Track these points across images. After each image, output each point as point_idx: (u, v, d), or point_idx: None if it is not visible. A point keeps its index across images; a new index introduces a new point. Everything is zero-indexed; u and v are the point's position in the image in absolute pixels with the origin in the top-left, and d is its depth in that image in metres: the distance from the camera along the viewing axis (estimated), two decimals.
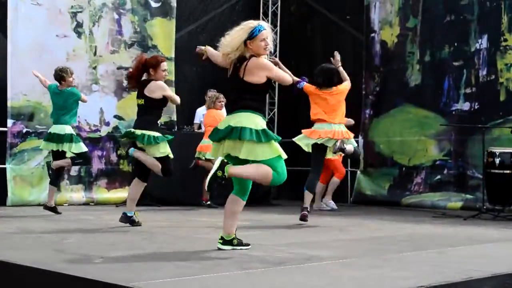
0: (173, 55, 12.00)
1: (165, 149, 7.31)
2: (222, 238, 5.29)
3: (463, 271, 4.45)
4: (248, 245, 5.34)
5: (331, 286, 3.92)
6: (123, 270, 4.28)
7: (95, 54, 11.16)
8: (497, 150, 9.18)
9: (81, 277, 3.93)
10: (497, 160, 9.04)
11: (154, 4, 11.87)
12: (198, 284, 3.86)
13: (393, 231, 7.47)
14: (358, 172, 12.11)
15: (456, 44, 11.11)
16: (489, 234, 7.17)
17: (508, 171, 8.98)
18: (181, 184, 10.63)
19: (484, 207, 9.08)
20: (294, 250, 5.40)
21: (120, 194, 10.98)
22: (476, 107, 10.85)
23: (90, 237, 6.40)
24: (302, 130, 8.02)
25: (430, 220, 8.92)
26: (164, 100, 7.32)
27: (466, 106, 10.96)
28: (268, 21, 13.62)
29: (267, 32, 5.21)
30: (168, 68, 11.58)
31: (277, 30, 13.68)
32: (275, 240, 5.82)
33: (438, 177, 11.24)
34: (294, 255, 5.13)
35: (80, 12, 11.01)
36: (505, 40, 10.54)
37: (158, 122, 7.49)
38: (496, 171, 9.05)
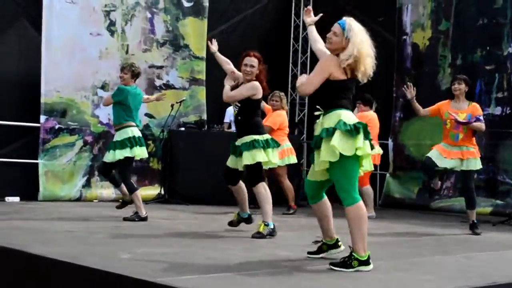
0: (204, 55, 12.06)
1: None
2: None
3: (488, 276, 4.46)
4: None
5: (359, 287, 3.94)
6: (148, 266, 4.33)
7: (127, 52, 11.26)
8: None
9: (110, 272, 4.01)
10: None
11: (186, 4, 11.95)
12: (234, 282, 3.91)
13: (420, 234, 7.46)
14: (387, 175, 12.07)
15: (488, 48, 11.03)
16: None
17: None
18: (210, 183, 10.65)
19: None
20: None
21: (149, 191, 11.05)
22: (508, 111, 10.76)
23: (119, 233, 6.48)
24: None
25: (458, 225, 8.86)
26: None
27: (497, 110, 10.88)
28: (299, 21, 13.67)
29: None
30: (200, 67, 11.95)
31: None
32: (302, 241, 5.83)
33: None
34: (321, 257, 5.14)
35: (114, 10, 11.12)
36: None
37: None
38: None
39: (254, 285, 3.91)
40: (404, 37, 12.10)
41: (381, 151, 9.88)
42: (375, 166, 9.84)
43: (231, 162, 6.85)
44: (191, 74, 11.99)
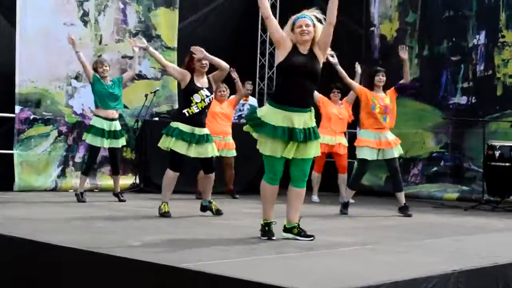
0: (176, 45, 12.16)
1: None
2: (284, 226, 5.46)
3: (487, 257, 4.71)
4: (311, 236, 5.37)
5: (371, 269, 4.15)
6: (167, 252, 4.47)
7: (100, 42, 11.29)
8: (497, 143, 9.49)
9: (133, 259, 4.13)
10: (497, 153, 9.35)
11: None
12: (249, 265, 4.08)
13: (401, 220, 7.73)
14: (355, 163, 12.33)
15: (454, 39, 11.40)
16: (493, 224, 7.47)
17: (507, 164, 9.30)
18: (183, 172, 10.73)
19: (484, 198, 9.38)
20: (318, 237, 5.58)
21: (123, 181, 11.05)
22: (473, 101, 11.16)
23: (115, 222, 6.59)
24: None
25: (431, 210, 9.21)
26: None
27: (463, 100, 11.27)
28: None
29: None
30: (171, 58, 12.02)
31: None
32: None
33: (435, 168, 11.55)
34: (320, 241, 5.34)
35: (87, 1, 11.11)
36: (503, 36, 10.85)
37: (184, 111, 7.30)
38: (496, 163, 9.35)
39: (268, 268, 4.07)
40: (372, 28, 12.40)
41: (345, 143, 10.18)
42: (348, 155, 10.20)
43: (191, 150, 7.22)
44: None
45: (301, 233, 5.37)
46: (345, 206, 8.22)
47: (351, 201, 8.51)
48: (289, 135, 5.21)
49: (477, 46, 11.11)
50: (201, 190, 7.65)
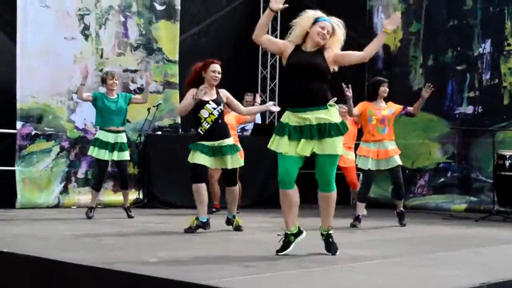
0: (177, 58, 12.05)
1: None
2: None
3: (511, 269, 4.58)
4: (333, 251, 5.21)
5: (399, 283, 4.01)
6: (187, 269, 4.32)
7: (101, 56, 11.17)
8: (507, 152, 9.37)
9: (154, 276, 3.98)
10: (508, 163, 9.22)
11: (159, 7, 11.90)
12: (274, 282, 3.94)
13: (414, 232, 7.59)
14: (361, 175, 12.20)
15: (459, 48, 11.32)
16: (509, 235, 7.33)
17: None
18: (184, 187, 10.62)
19: (495, 209, 9.25)
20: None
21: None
22: (479, 110, 11.06)
23: (125, 238, 6.44)
24: None
25: (441, 222, 9.07)
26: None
27: (469, 109, 11.17)
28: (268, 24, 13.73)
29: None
30: (173, 71, 11.92)
31: (277, 34, 13.79)
32: (311, 241, 5.88)
33: (442, 179, 11.43)
34: (340, 255, 5.19)
35: (87, 14, 11.01)
36: (509, 44, 10.77)
37: (199, 131, 7.12)
38: (506, 173, 9.23)
39: (295, 284, 3.94)
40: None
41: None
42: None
43: (212, 162, 7.04)
44: (165, 77, 11.96)
45: (327, 244, 5.22)
46: (355, 219, 8.11)
47: (365, 213, 8.39)
48: (300, 131, 5.06)
49: (482, 55, 11.02)
50: (227, 203, 7.44)
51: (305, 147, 5.05)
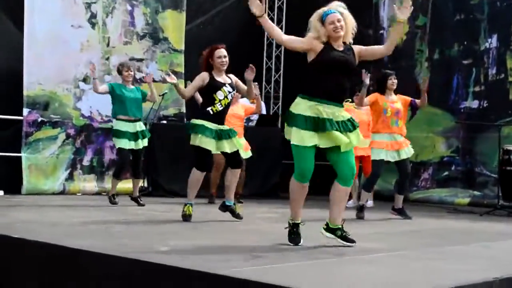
0: (183, 48, 12.06)
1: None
2: (327, 224, 5.31)
3: None
4: (353, 241, 5.21)
5: (411, 277, 4.04)
6: (198, 258, 4.34)
7: (108, 45, 11.18)
8: None
9: (167, 265, 4.00)
10: None
11: None
12: (286, 272, 3.96)
13: (420, 225, 7.62)
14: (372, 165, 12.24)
15: (465, 42, 11.32)
16: None
17: None
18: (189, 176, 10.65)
19: (499, 203, 9.28)
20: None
21: (131, 184, 10.96)
22: (485, 105, 11.07)
23: (134, 226, 6.47)
24: None
25: (446, 215, 9.10)
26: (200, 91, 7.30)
27: (474, 104, 11.18)
28: (274, 15, 13.74)
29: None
30: (178, 60, 11.92)
31: (282, 25, 13.79)
32: (318, 232, 5.92)
33: (446, 173, 11.45)
34: (349, 247, 5.22)
35: (94, 3, 11.01)
36: None
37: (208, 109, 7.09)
38: (511, 168, 9.24)
39: (303, 274, 3.97)
40: (381, 31, 12.32)
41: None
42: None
43: (219, 145, 7.07)
44: (170, 67, 11.96)
45: (345, 236, 5.22)
46: (360, 209, 8.12)
47: (371, 204, 8.42)
48: (317, 124, 5.05)
49: (489, 49, 11.02)
50: (226, 186, 7.35)
51: (322, 139, 5.05)
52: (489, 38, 11.04)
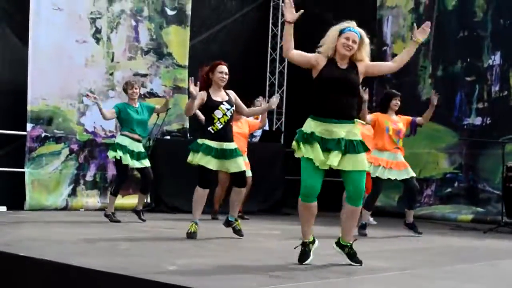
0: (187, 63, 12.08)
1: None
2: (338, 239, 5.34)
3: None
4: (359, 262, 5.20)
5: None
6: (208, 278, 4.34)
7: (112, 60, 11.19)
8: None
9: (179, 285, 3.99)
10: None
11: (170, 12, 11.94)
12: None
13: (426, 242, 7.59)
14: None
15: (468, 59, 11.35)
16: None
17: None
18: (191, 192, 10.63)
19: (503, 220, 9.27)
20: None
21: (133, 200, 10.93)
22: (488, 122, 11.08)
23: (140, 243, 6.44)
24: None
25: (450, 233, 9.09)
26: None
27: (478, 120, 11.20)
28: (277, 31, 13.79)
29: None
30: (182, 75, 11.94)
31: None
32: (325, 250, 5.90)
33: (449, 189, 11.45)
34: (356, 266, 5.21)
35: (99, 18, 11.03)
36: None
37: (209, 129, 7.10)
38: None
39: None
40: (385, 47, 12.34)
41: None
42: None
43: (219, 165, 7.06)
44: (174, 82, 11.99)
45: (352, 256, 5.22)
46: (363, 227, 8.13)
47: (373, 221, 8.40)
48: (326, 144, 5.05)
49: (492, 66, 11.05)
50: (230, 203, 7.39)
51: (331, 160, 5.04)
52: (493, 55, 11.07)
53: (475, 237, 8.52)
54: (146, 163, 8.79)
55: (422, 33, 5.37)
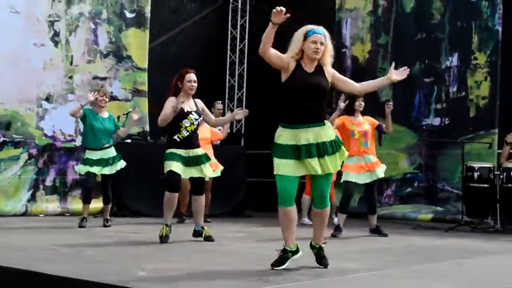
0: (146, 66, 12.00)
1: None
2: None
3: (497, 282, 4.68)
4: (324, 266, 5.23)
5: None
6: (175, 283, 4.31)
7: (71, 63, 11.06)
8: (476, 165, 9.54)
9: None
10: (476, 175, 9.39)
11: (129, 15, 11.84)
12: None
13: (390, 242, 7.66)
14: (343, 186, 12.28)
15: (427, 61, 11.50)
16: (483, 246, 7.46)
17: (486, 185, 9.34)
18: (153, 196, 10.57)
19: (463, 219, 9.41)
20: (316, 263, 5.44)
21: (94, 204, 10.78)
22: (446, 122, 11.24)
23: (105, 249, 6.38)
24: None
25: (411, 232, 9.18)
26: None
27: (436, 121, 11.35)
28: (236, 33, 13.79)
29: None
30: (142, 78, 11.86)
31: (245, 43, 13.86)
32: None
33: (409, 189, 11.58)
34: (323, 267, 5.22)
35: (57, 21, 10.90)
36: (475, 58, 10.96)
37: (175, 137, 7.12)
38: (475, 185, 9.40)
39: None
40: (344, 49, 12.42)
41: None
42: None
43: (187, 172, 7.08)
44: (134, 85, 11.91)
45: (319, 258, 5.25)
46: (336, 229, 8.21)
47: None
48: (297, 152, 5.04)
49: (450, 68, 11.22)
50: (194, 213, 7.40)
51: (311, 166, 5.03)
52: (450, 57, 11.23)
53: (436, 236, 8.62)
54: (114, 169, 8.88)
55: (400, 75, 5.42)
